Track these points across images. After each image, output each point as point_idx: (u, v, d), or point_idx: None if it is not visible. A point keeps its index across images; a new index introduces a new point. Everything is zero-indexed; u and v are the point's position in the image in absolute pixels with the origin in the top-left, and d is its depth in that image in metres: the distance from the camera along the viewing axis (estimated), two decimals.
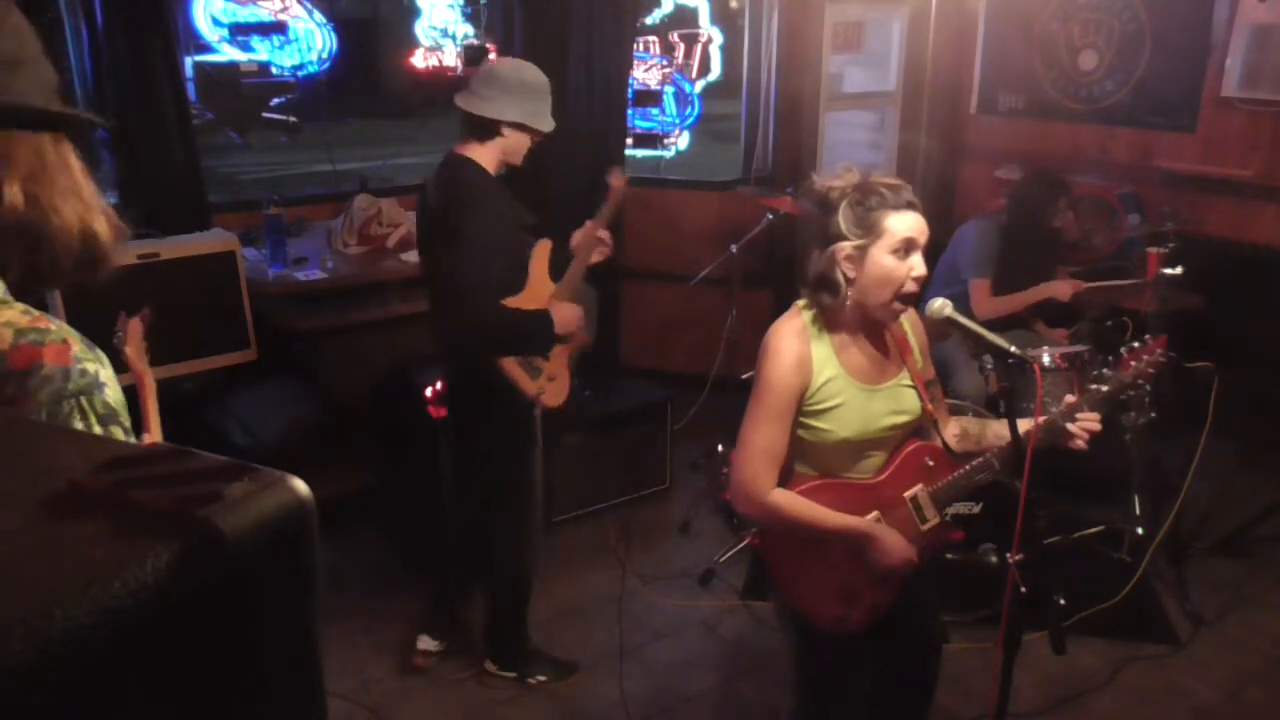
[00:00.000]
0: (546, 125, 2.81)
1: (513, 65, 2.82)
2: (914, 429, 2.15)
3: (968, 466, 2.13)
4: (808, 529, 2.06)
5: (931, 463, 2.14)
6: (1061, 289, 3.94)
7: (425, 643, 3.28)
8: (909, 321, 2.18)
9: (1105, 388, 2.17)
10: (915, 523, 2.13)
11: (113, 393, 1.16)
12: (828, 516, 2.04)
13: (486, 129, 2.74)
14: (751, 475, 2.04)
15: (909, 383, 2.11)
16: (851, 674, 2.27)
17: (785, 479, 2.10)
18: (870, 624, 2.16)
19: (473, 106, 2.74)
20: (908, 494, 2.13)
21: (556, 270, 2.98)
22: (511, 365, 2.84)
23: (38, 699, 0.46)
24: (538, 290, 2.89)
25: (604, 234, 3.06)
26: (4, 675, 0.44)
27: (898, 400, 2.09)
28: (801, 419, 2.05)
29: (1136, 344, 2.25)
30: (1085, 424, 2.07)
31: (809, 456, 2.11)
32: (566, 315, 2.85)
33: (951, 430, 2.26)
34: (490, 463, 3.03)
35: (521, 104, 2.74)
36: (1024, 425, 2.08)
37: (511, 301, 2.78)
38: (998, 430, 2.20)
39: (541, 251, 2.93)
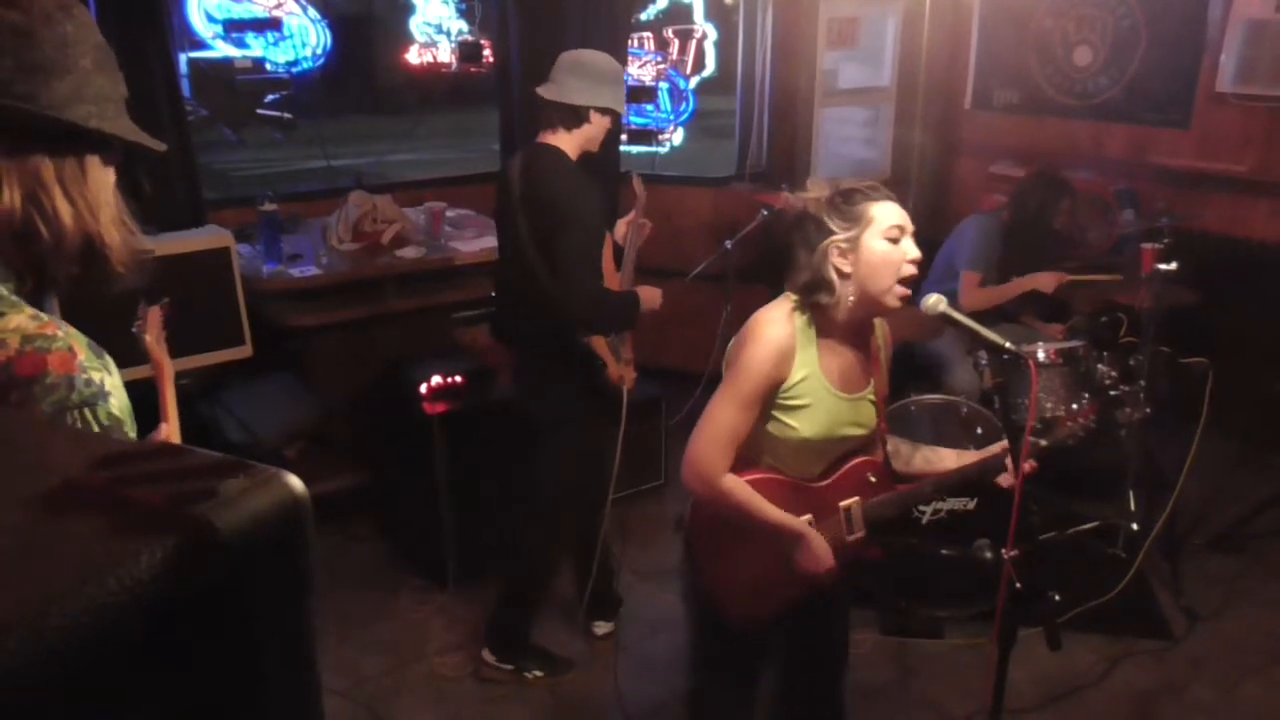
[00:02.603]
0: (623, 108, 2.95)
1: (593, 55, 2.89)
2: (863, 443, 2.17)
3: (903, 490, 2.19)
4: (748, 518, 2.05)
5: (874, 479, 2.18)
6: (1045, 281, 3.95)
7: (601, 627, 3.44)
8: (883, 335, 2.19)
9: (1044, 441, 2.23)
10: (843, 532, 2.15)
11: (117, 401, 1.15)
12: (770, 511, 2.04)
13: (576, 116, 2.81)
14: (709, 454, 2.00)
15: (873, 397, 2.13)
16: (751, 663, 2.31)
17: (733, 464, 2.06)
18: (778, 615, 2.19)
19: (561, 95, 2.80)
20: (843, 504, 2.15)
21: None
22: (602, 346, 2.96)
23: (35, 697, 0.46)
24: (608, 276, 3.01)
25: (644, 221, 3.20)
26: (1, 674, 0.44)
27: (860, 412, 2.10)
28: (772, 411, 2.04)
29: (1075, 405, 2.40)
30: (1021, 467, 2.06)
31: (762, 448, 2.09)
32: (651, 295, 2.98)
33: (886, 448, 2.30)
34: (567, 445, 3.05)
35: (609, 89, 2.84)
36: (982, 454, 2.20)
37: None
38: (926, 456, 2.26)
39: (607, 241, 3.05)
